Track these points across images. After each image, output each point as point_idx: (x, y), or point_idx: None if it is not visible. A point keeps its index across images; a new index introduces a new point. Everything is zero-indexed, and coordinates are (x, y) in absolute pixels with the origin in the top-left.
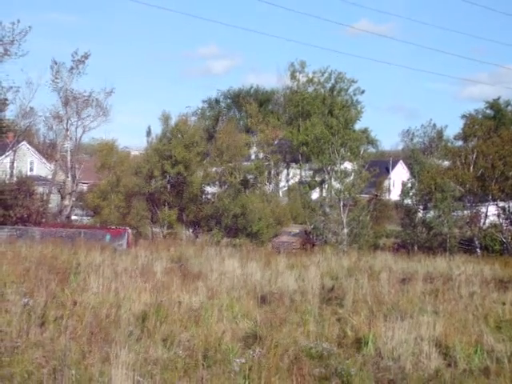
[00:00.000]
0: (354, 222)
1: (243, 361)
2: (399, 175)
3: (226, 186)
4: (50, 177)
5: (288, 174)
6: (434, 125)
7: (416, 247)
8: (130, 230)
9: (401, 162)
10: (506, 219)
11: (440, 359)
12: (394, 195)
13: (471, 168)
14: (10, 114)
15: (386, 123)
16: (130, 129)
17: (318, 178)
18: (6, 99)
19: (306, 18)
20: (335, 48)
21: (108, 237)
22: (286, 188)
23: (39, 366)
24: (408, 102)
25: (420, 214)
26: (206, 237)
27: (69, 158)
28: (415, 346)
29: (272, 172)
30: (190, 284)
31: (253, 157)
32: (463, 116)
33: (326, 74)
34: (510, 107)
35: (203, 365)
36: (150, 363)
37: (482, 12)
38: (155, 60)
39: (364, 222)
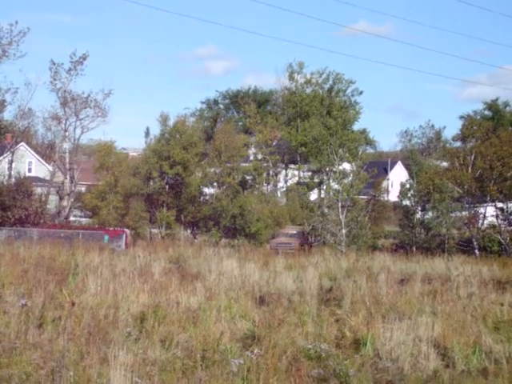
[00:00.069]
0: (353, 222)
1: (241, 362)
2: (397, 176)
3: (225, 187)
4: (48, 178)
5: (286, 175)
6: (433, 126)
7: (414, 248)
8: (128, 231)
9: (399, 162)
10: (505, 220)
11: (438, 360)
12: (393, 196)
13: (469, 169)
14: (8, 114)
15: (384, 124)
16: (129, 130)
17: (316, 179)
18: (5, 100)
19: (304, 19)
20: (333, 49)
21: (106, 237)
22: (284, 189)
23: (37, 367)
24: (406, 103)
25: (418, 215)
26: (204, 237)
27: (67, 159)
28: (413, 346)
29: (270, 173)
30: (188, 285)
31: (251, 157)
32: (461, 117)
33: (324, 75)
34: (508, 108)
35: (201, 366)
36: (149, 364)
37: (481, 13)
38: (153, 61)
39: (362, 223)
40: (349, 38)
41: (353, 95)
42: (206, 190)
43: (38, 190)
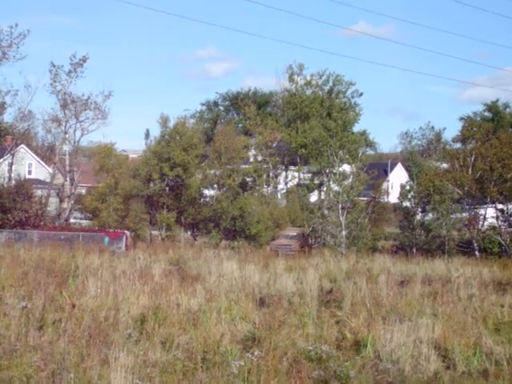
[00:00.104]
0: (353, 224)
1: (242, 363)
2: (398, 177)
3: (225, 189)
4: (48, 180)
5: (286, 177)
6: (433, 127)
7: (414, 249)
8: (128, 233)
9: (399, 164)
10: (505, 221)
11: (439, 361)
12: (393, 197)
13: (470, 170)
14: (8, 117)
15: (384, 126)
16: (129, 131)
17: (316, 181)
18: (5, 102)
19: (304, 21)
20: (333, 50)
21: (106, 239)
22: (284, 190)
23: (38, 370)
24: (406, 105)
25: (418, 217)
26: (204, 239)
27: (67, 161)
28: (414, 348)
29: (270, 174)
30: (189, 286)
31: (251, 159)
32: (461, 118)
33: (324, 77)
34: (508, 110)
35: (202, 367)
36: (149, 366)
37: (482, 14)
38: (154, 63)
39: (362, 225)
40: (349, 39)
41: (353, 97)
42: (206, 192)
43: (38, 192)
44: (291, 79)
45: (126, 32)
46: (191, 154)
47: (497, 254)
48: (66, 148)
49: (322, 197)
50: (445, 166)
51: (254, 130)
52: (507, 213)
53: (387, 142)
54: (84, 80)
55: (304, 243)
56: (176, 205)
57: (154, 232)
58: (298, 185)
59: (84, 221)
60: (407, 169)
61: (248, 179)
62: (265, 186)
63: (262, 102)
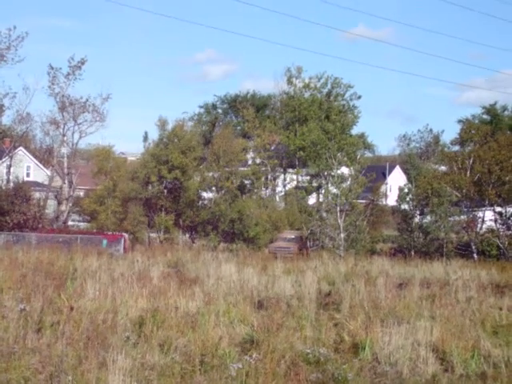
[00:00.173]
0: (351, 227)
1: (240, 366)
2: (396, 180)
3: (223, 191)
4: (46, 182)
5: (285, 179)
6: (431, 130)
7: (413, 252)
8: (126, 236)
9: (397, 167)
10: (503, 224)
11: (437, 364)
12: (391, 200)
13: (468, 173)
14: (6, 119)
15: (382, 128)
16: (127, 134)
17: (314, 183)
18: (3, 105)
19: (302, 24)
20: (332, 53)
21: (105, 242)
22: (282, 193)
23: (36, 372)
24: (405, 107)
25: (417, 219)
26: (202, 242)
27: (65, 164)
28: (412, 351)
29: (269, 177)
30: (187, 289)
31: (249, 162)
32: (460, 121)
33: (322, 80)
34: (506, 112)
35: (200, 370)
36: (147, 369)
37: (480, 17)
38: (152, 65)
39: (361, 227)
40: (347, 42)
41: (351, 99)
42: (205, 195)
43: (37, 195)
44: (289, 82)
45: (124, 35)
46: (189, 157)
47: (495, 256)
48: (64, 150)
49: (321, 199)
50: (443, 168)
51: (253, 132)
52: (505, 215)
53: (385, 144)
54: (82, 82)
55: (302, 246)
56: (174, 207)
57: (153, 234)
58: (297, 187)
59: (82, 223)
60: (405, 171)
61: (246, 182)
62: (263, 188)
63: (260, 104)
